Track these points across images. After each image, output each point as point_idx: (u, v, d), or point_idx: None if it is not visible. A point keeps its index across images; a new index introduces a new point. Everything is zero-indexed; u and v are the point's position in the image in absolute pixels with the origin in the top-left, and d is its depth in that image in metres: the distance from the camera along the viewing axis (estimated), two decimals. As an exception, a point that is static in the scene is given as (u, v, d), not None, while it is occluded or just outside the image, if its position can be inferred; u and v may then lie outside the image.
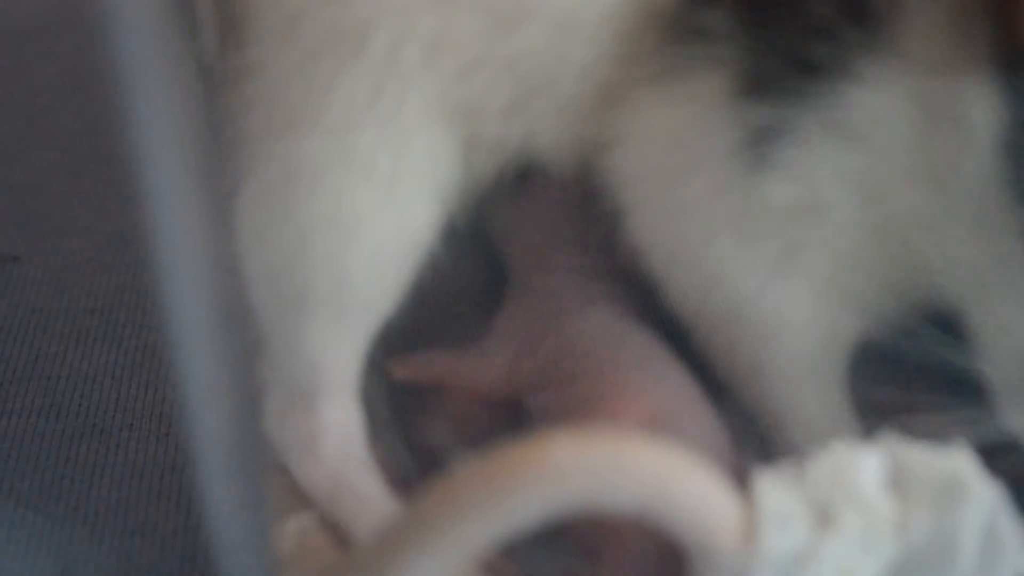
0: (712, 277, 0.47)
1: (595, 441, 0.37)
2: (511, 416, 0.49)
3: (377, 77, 0.46)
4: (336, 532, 0.47)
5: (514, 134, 0.48)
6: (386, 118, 0.47)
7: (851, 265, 0.46)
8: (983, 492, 0.39)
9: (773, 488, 0.38)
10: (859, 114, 0.44)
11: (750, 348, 0.47)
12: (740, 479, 0.39)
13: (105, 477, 0.56)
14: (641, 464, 0.37)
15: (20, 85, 0.79)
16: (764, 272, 0.46)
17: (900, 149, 0.44)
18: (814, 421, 0.47)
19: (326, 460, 0.48)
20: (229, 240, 0.48)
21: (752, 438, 0.47)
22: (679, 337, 0.49)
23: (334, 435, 0.49)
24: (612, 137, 0.48)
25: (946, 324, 0.45)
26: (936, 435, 0.41)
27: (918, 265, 0.45)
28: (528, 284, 0.52)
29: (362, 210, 0.47)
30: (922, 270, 0.45)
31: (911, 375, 0.46)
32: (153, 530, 0.53)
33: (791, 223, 0.45)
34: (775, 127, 0.44)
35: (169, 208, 0.39)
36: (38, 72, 0.79)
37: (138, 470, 0.56)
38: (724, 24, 0.45)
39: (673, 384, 0.47)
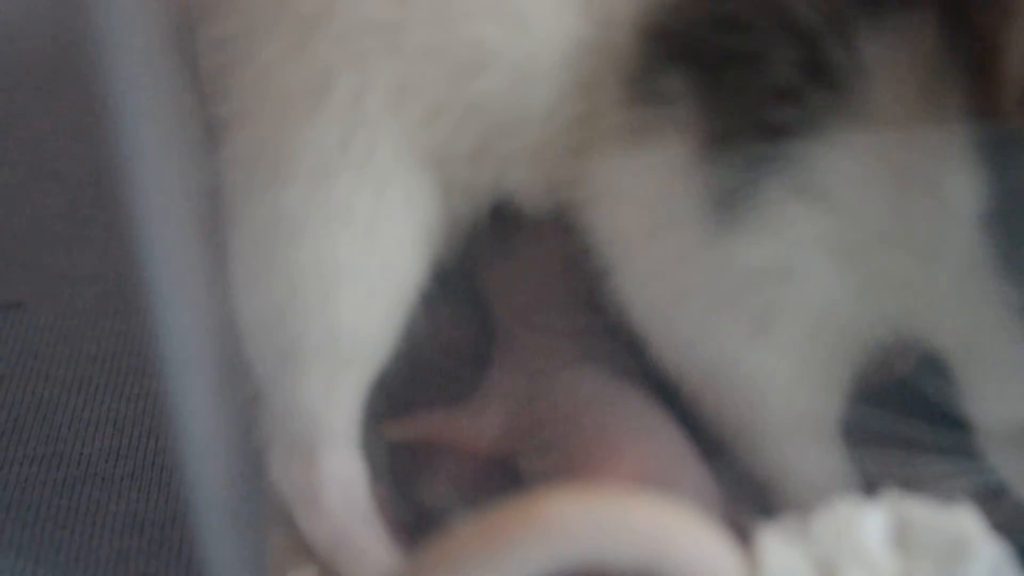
0: (691, 338, 0.46)
1: (596, 496, 0.37)
2: (508, 474, 0.49)
3: (344, 125, 0.46)
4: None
5: (484, 177, 0.48)
6: (359, 165, 0.46)
7: (832, 323, 0.45)
8: (988, 550, 0.39)
9: (776, 544, 0.38)
10: (827, 177, 0.43)
11: (736, 408, 0.47)
12: (737, 537, 0.39)
13: (106, 527, 0.55)
14: (643, 520, 0.37)
15: (25, 131, 0.79)
16: (743, 333, 0.45)
17: (873, 213, 0.43)
18: (809, 477, 0.47)
19: (329, 513, 0.48)
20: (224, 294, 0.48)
21: (749, 495, 0.46)
22: (672, 395, 0.48)
23: (336, 488, 0.48)
24: (587, 194, 0.47)
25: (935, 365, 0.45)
26: (930, 484, 0.41)
27: (900, 323, 0.44)
28: (516, 343, 0.51)
29: (345, 257, 0.47)
30: (905, 327, 0.44)
31: (902, 422, 0.45)
32: (153, 582, 0.53)
33: (765, 284, 0.45)
34: (741, 189, 0.44)
35: (166, 260, 0.39)
36: (43, 118, 0.79)
37: (139, 520, 0.56)
38: (683, 87, 0.44)
39: (664, 444, 0.47)
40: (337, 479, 0.48)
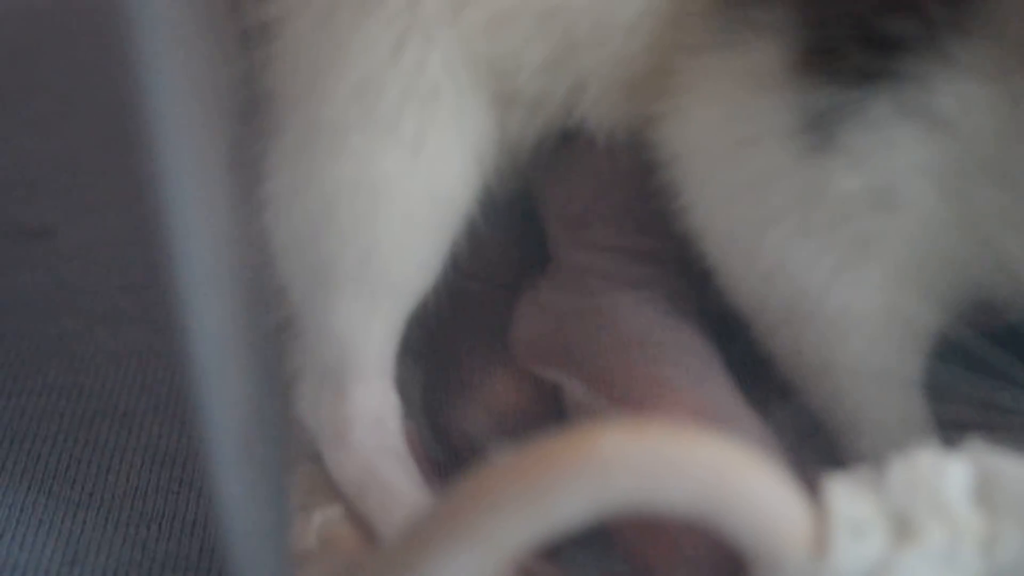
0: (773, 267, 0.43)
1: (648, 433, 0.34)
2: (556, 407, 0.45)
3: (398, 29, 0.43)
4: (363, 527, 0.44)
5: (556, 90, 0.45)
6: (410, 74, 0.43)
7: (926, 259, 0.42)
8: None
9: (846, 493, 0.34)
10: (945, 100, 0.40)
11: (816, 346, 0.43)
12: (803, 488, 0.35)
13: (124, 462, 0.53)
14: (699, 460, 0.33)
15: (57, 60, 0.78)
16: (831, 265, 0.42)
17: (986, 142, 0.40)
18: (888, 426, 0.43)
19: (356, 449, 0.45)
20: (256, 216, 0.45)
21: (813, 448, 0.43)
22: (729, 333, 0.45)
23: (365, 422, 0.45)
24: (667, 107, 0.44)
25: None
26: (1017, 437, 0.37)
27: (999, 263, 0.41)
28: (565, 260, 0.48)
29: (389, 173, 0.44)
30: (1003, 268, 0.41)
31: (990, 379, 0.41)
32: (171, 519, 0.51)
33: (860, 213, 0.41)
34: (844, 107, 0.40)
35: (186, 190, 0.38)
36: (75, 49, 0.77)
37: (159, 456, 0.54)
38: None
39: (717, 387, 0.43)
40: (367, 413, 0.45)
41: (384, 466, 0.45)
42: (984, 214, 0.41)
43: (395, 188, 0.44)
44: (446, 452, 0.46)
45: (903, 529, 0.34)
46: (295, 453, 0.46)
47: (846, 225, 0.41)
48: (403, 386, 0.46)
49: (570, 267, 0.48)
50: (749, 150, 0.42)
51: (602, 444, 0.33)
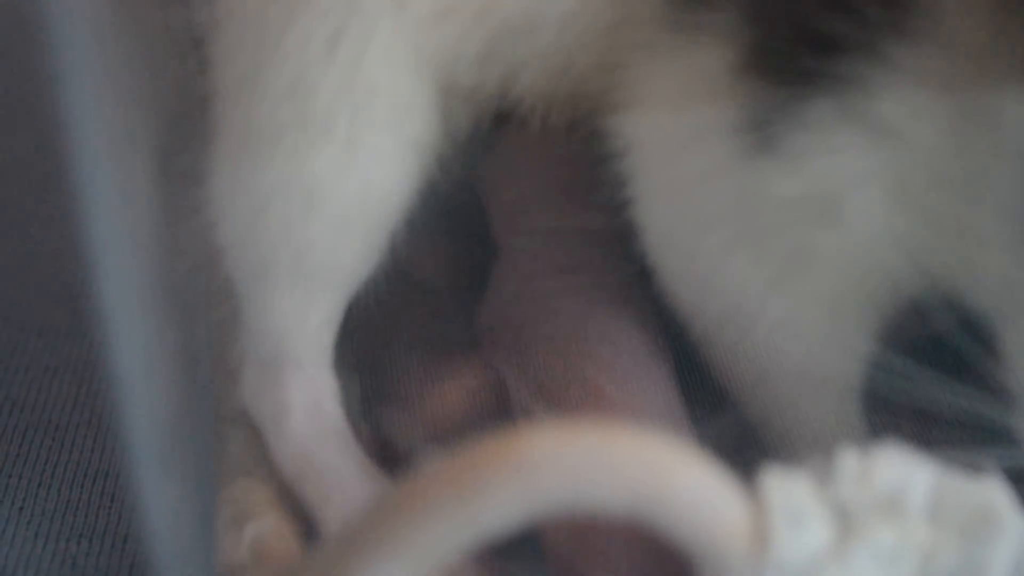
0: (711, 271, 0.42)
1: (578, 434, 0.33)
2: (497, 416, 0.45)
3: (334, 23, 0.43)
4: (295, 539, 0.43)
5: (491, 79, 0.45)
6: (345, 70, 0.43)
7: (870, 269, 0.41)
8: (1016, 526, 0.35)
9: (784, 485, 0.34)
10: (889, 107, 0.39)
11: (752, 355, 0.42)
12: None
13: (56, 477, 0.52)
14: (631, 459, 0.32)
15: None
16: (769, 276, 0.41)
17: (931, 149, 0.39)
18: (824, 433, 0.42)
19: (295, 435, 0.45)
20: (194, 218, 0.45)
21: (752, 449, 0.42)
22: (672, 327, 0.44)
23: (303, 408, 0.45)
24: (619, 99, 0.43)
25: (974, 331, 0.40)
26: (960, 459, 0.37)
27: (943, 274, 0.40)
28: (505, 250, 0.47)
29: (322, 173, 0.43)
30: (947, 280, 0.40)
31: (931, 390, 0.41)
32: (103, 535, 0.50)
33: (803, 219, 0.40)
34: (786, 108, 0.39)
35: (105, 197, 0.37)
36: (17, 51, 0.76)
37: (92, 471, 0.52)
38: None
39: (645, 384, 0.42)
40: (305, 399, 0.45)
41: (323, 451, 0.44)
42: (928, 223, 0.40)
43: (328, 188, 0.44)
44: (384, 463, 0.45)
45: (848, 522, 0.34)
46: (227, 467, 0.46)
47: (786, 233, 0.41)
48: (342, 397, 0.46)
49: (510, 254, 0.47)
50: (693, 148, 0.42)
51: (531, 446, 0.33)
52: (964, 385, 0.40)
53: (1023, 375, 0.39)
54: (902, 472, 0.35)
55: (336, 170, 0.43)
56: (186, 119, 0.46)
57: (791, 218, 0.40)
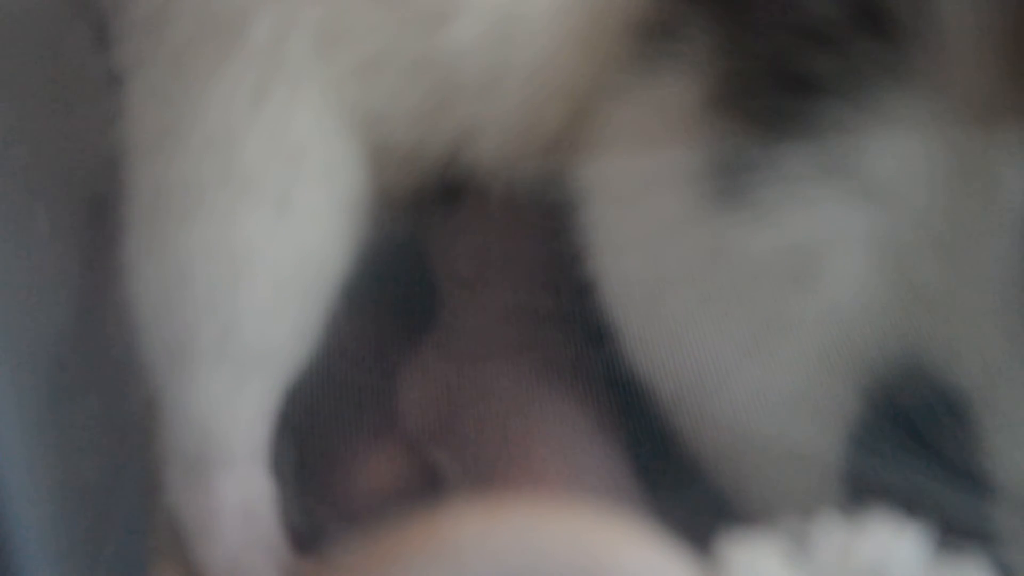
0: (676, 332, 0.38)
1: (510, 512, 0.30)
2: (432, 487, 0.41)
3: (259, 73, 0.39)
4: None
5: (436, 140, 0.41)
6: (273, 122, 0.40)
7: (847, 338, 0.37)
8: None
9: (748, 556, 0.31)
10: (875, 157, 0.36)
11: (718, 426, 0.39)
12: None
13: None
14: (568, 538, 0.29)
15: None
16: (738, 339, 0.38)
17: (921, 209, 0.36)
18: (802, 512, 0.38)
19: (223, 545, 0.40)
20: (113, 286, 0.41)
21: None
22: (628, 396, 0.40)
23: (233, 515, 0.41)
24: (580, 146, 0.40)
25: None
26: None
27: (925, 348, 0.37)
28: (452, 325, 0.44)
29: (251, 236, 0.40)
30: (928, 354, 0.37)
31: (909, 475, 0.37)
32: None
33: (773, 280, 0.37)
34: (758, 154, 0.36)
35: None
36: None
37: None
38: (697, 19, 0.37)
39: (596, 464, 0.39)
40: (235, 504, 0.41)
41: (254, 564, 0.40)
42: (911, 289, 0.36)
43: (258, 252, 0.40)
44: (314, 531, 0.41)
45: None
46: (160, 544, 0.42)
47: (758, 295, 0.37)
48: (277, 462, 0.42)
49: (460, 332, 0.44)
50: (656, 195, 0.39)
51: (457, 527, 0.30)
52: (942, 468, 0.36)
53: (1002, 462, 0.36)
54: (887, 547, 0.32)
55: (266, 232, 0.40)
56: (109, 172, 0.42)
57: (763, 276, 0.37)
